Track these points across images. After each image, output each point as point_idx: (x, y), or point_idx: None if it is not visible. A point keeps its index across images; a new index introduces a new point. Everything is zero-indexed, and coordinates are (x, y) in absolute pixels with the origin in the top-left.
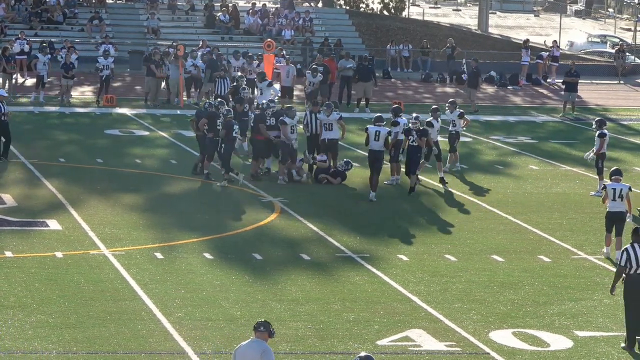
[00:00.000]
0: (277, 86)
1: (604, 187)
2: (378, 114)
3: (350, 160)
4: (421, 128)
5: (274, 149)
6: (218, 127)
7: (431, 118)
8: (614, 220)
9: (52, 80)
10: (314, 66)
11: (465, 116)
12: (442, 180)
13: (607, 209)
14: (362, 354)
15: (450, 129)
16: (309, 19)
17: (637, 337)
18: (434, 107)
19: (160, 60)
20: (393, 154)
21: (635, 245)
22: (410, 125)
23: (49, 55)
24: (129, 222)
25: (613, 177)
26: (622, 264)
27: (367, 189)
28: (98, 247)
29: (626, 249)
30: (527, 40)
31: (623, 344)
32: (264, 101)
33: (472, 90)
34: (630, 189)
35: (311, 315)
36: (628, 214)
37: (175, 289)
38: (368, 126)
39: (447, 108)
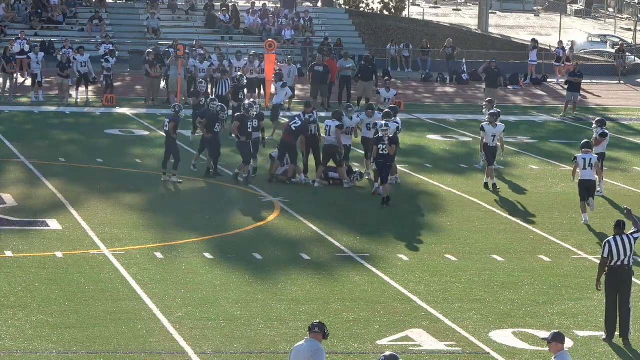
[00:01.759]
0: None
1: (575, 159)
2: (386, 110)
3: (362, 172)
4: (391, 136)
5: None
6: (249, 130)
7: (487, 123)
8: (587, 187)
9: (52, 79)
10: (386, 80)
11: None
12: (494, 186)
13: (579, 178)
14: (387, 353)
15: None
16: (308, 18)
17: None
18: (492, 112)
19: (154, 59)
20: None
21: (617, 237)
22: (380, 132)
23: (42, 54)
24: (129, 222)
25: (583, 150)
26: (605, 255)
27: (367, 189)
28: (98, 247)
29: (608, 241)
30: (534, 40)
31: (604, 336)
32: (247, 102)
33: (493, 90)
34: (598, 159)
35: (311, 315)
36: (599, 184)
37: (175, 289)
38: (377, 121)
39: (484, 107)
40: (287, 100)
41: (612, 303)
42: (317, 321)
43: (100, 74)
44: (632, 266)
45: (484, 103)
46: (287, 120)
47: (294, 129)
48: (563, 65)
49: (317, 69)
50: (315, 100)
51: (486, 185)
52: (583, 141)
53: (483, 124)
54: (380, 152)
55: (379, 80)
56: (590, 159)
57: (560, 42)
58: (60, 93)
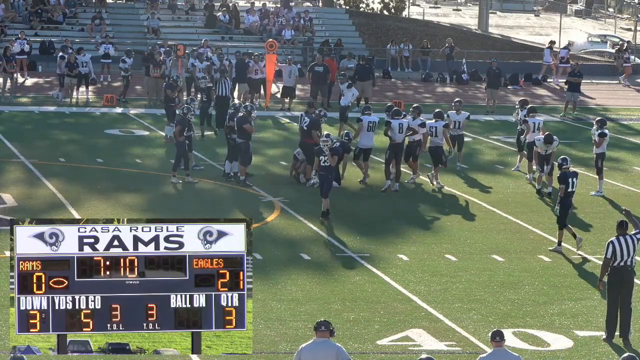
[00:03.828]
0: (279, 85)
1: (526, 121)
2: (396, 108)
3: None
4: (333, 146)
5: (239, 152)
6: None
7: (540, 139)
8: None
9: (53, 79)
10: (457, 101)
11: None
12: (549, 195)
13: (528, 140)
14: (424, 356)
15: (519, 128)
16: (308, 18)
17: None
18: (547, 133)
19: (161, 59)
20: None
21: (620, 238)
22: (321, 143)
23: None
24: None
25: (531, 114)
26: (609, 256)
27: (367, 189)
28: None
29: (611, 242)
30: (552, 41)
31: (604, 336)
32: (247, 103)
33: (494, 91)
34: (543, 122)
35: (311, 315)
36: (598, 183)
37: None
38: (391, 120)
39: (517, 107)
40: (354, 101)
41: (614, 303)
42: (322, 319)
43: (99, 74)
44: (634, 267)
45: (517, 104)
46: (296, 123)
47: (305, 128)
48: (562, 66)
49: (316, 69)
50: (315, 100)
51: (539, 192)
52: (529, 106)
53: (536, 138)
54: (322, 164)
55: (378, 80)
56: (539, 122)
57: (570, 42)
58: (65, 93)
